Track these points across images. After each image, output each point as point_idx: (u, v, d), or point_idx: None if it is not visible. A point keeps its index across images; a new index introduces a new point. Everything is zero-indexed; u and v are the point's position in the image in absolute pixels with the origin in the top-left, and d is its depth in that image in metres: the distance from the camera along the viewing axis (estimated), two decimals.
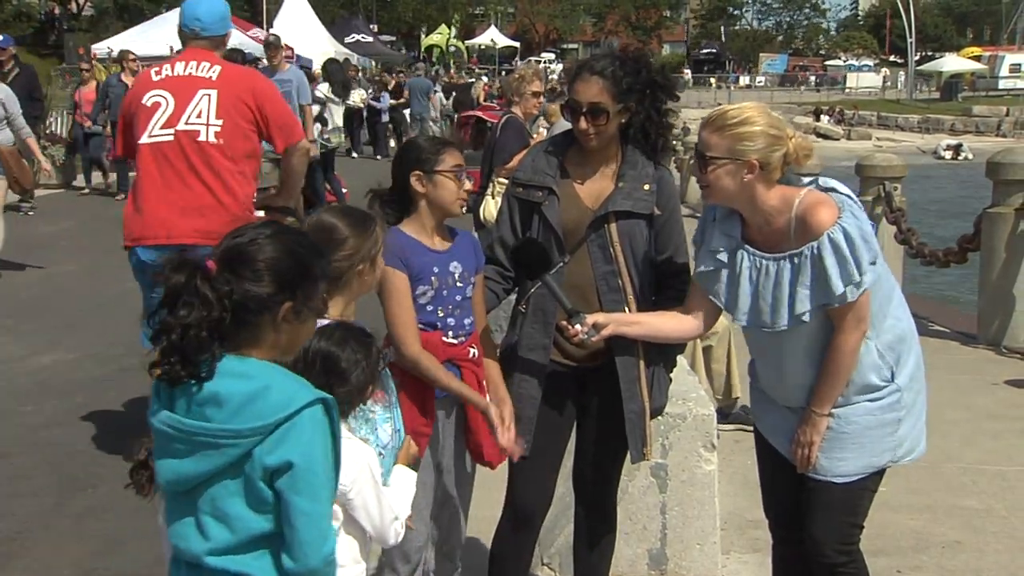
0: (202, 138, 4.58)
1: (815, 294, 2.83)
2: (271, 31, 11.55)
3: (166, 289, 1.90)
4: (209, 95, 4.60)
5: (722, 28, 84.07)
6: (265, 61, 11.72)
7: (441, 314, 3.10)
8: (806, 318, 2.85)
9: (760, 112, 2.91)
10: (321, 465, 1.95)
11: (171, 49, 19.31)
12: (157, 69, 4.81)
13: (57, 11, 40.33)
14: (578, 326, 3.00)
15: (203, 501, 1.95)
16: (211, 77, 4.65)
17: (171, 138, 4.59)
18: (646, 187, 3.17)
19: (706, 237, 3.05)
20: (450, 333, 3.11)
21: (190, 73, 4.66)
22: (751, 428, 5.61)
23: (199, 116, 4.58)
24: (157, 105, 4.62)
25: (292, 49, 16.84)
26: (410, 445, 2.71)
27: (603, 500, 3.41)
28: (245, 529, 1.95)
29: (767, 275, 2.91)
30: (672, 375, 3.40)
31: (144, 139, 4.62)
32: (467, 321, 3.16)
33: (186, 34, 4.86)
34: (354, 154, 21.59)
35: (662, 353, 3.26)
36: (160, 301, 1.91)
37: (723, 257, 2.99)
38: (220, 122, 4.59)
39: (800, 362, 2.95)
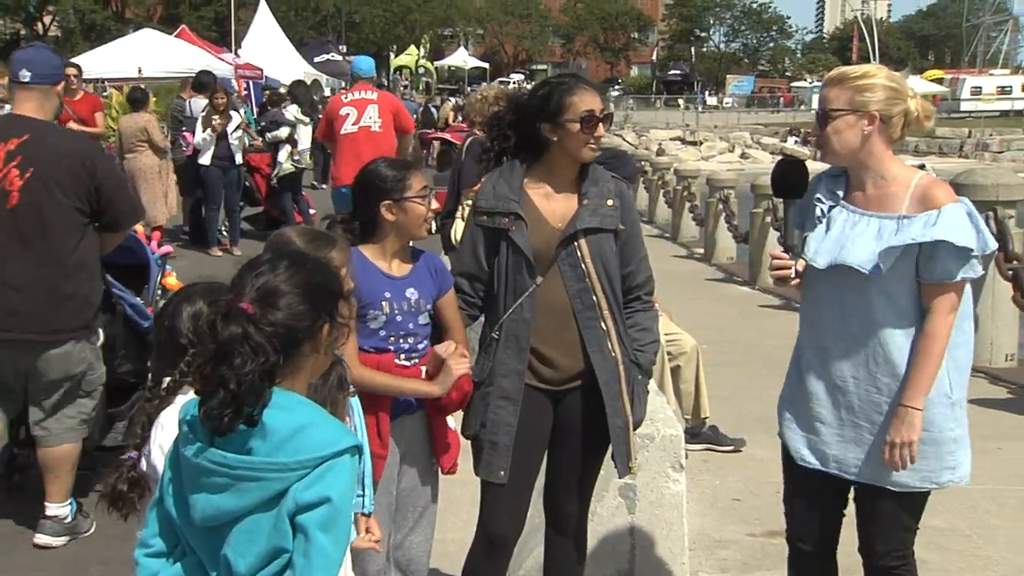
0: (373, 129, 8.68)
1: (924, 261, 2.82)
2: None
3: (218, 342, 1.88)
4: (374, 107, 8.77)
5: (692, 50, 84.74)
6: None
7: (392, 339, 3.10)
8: (902, 264, 2.83)
9: (879, 68, 2.98)
10: (349, 511, 1.95)
11: (139, 70, 19.23)
12: (345, 94, 9.34)
13: (22, 31, 40.02)
14: (795, 263, 2.98)
15: (231, 536, 1.92)
16: (374, 98, 8.89)
17: (356, 131, 8.68)
18: (610, 203, 3.21)
19: (810, 191, 3.05)
20: (403, 356, 3.12)
21: (362, 96, 8.87)
22: (721, 448, 5.69)
23: (370, 118, 8.71)
24: (348, 115, 8.75)
25: None
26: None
27: (575, 521, 3.40)
28: (261, 566, 1.92)
29: (866, 226, 2.90)
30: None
31: (342, 131, 8.73)
32: (421, 346, 3.16)
33: (353, 77, 9.69)
34: (324, 185, 18.99)
35: (638, 366, 3.28)
36: (212, 354, 1.89)
37: (823, 207, 3.00)
38: (380, 120, 8.72)
39: (861, 336, 2.92)
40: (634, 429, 3.27)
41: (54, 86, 4.47)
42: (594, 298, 3.18)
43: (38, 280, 4.23)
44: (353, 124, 8.74)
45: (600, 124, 3.16)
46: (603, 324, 3.19)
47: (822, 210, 3.01)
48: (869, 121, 2.90)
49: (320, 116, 19.50)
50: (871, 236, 2.89)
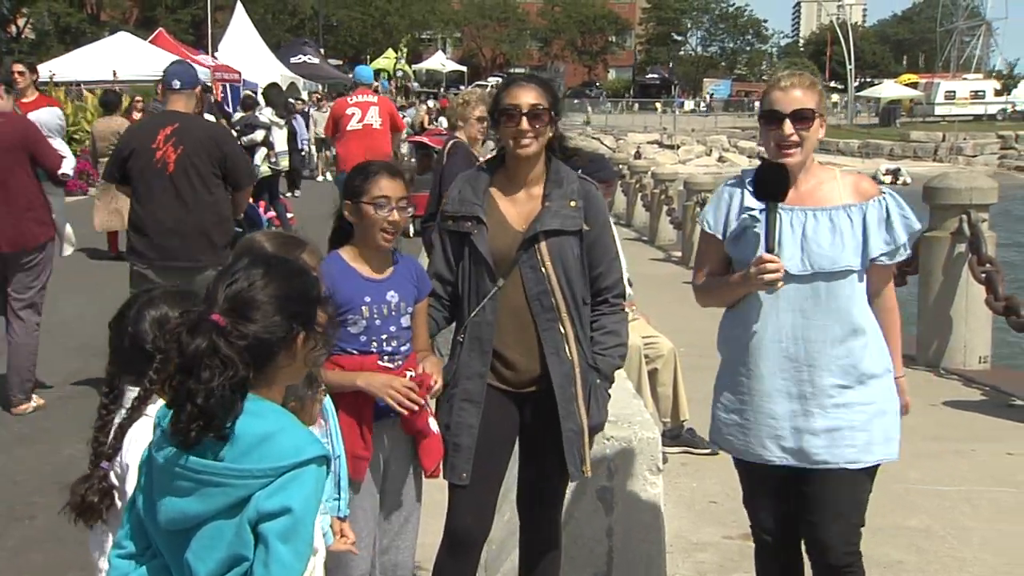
0: (375, 127, 10.45)
1: (889, 240, 3.06)
2: None
3: (184, 356, 1.84)
4: (375, 108, 10.60)
5: (672, 55, 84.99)
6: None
7: (375, 344, 3.09)
8: (885, 260, 3.07)
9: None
10: (312, 522, 1.91)
11: (114, 73, 19.13)
12: (350, 97, 11.03)
13: None
14: (780, 268, 3.02)
15: (193, 541, 1.89)
16: (374, 100, 10.86)
17: (361, 127, 10.42)
18: (572, 204, 3.21)
19: (733, 203, 3.17)
20: (386, 358, 3.10)
21: (365, 100, 10.72)
22: (698, 451, 5.71)
23: (372, 117, 10.47)
24: (352, 114, 10.50)
25: None
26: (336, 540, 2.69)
27: (547, 523, 3.41)
28: (221, 573, 1.89)
29: (816, 222, 3.07)
30: (616, 397, 3.41)
31: (348, 128, 10.45)
32: (404, 348, 3.15)
33: (355, 83, 11.83)
34: (296, 192, 18.66)
35: (598, 370, 3.28)
36: (179, 367, 1.85)
37: (757, 214, 3.11)
38: (381, 120, 10.53)
39: (831, 327, 3.05)
40: (591, 434, 3.26)
41: (194, 90, 6.35)
42: (553, 300, 3.18)
43: (190, 224, 5.95)
44: (358, 122, 10.48)
45: (523, 119, 3.15)
46: (561, 327, 3.19)
47: (758, 211, 3.11)
48: (821, 123, 3.13)
49: (295, 117, 19.87)
50: (839, 236, 3.05)
